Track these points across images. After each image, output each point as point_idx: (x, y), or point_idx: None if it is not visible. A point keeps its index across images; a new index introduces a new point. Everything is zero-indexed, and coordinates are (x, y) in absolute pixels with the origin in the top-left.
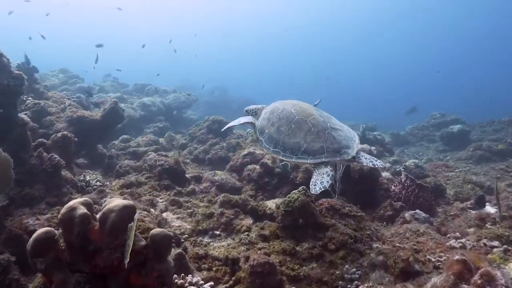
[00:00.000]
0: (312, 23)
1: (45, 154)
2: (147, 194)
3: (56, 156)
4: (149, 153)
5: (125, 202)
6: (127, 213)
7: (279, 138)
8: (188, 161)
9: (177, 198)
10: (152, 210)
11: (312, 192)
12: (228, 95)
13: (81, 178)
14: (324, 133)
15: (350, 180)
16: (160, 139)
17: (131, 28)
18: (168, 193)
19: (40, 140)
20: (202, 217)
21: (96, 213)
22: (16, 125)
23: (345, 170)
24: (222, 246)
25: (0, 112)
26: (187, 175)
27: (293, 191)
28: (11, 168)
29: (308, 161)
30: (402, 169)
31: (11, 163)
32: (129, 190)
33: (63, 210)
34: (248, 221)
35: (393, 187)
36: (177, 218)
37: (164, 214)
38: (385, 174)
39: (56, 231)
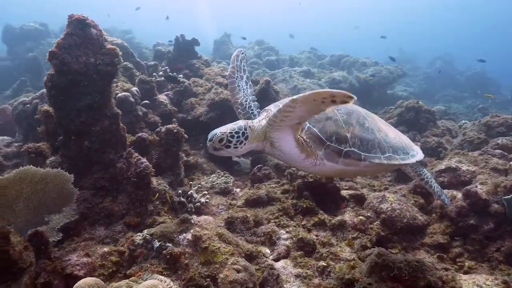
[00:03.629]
0: None
1: (134, 155)
2: (271, 221)
3: (144, 160)
4: None
5: None
6: None
7: None
8: None
9: (308, 237)
10: (265, 251)
11: None
12: (454, 66)
13: (182, 191)
14: None
15: None
16: None
17: None
18: (304, 222)
19: (139, 135)
20: (337, 283)
21: None
22: (103, 115)
23: None
24: None
25: (88, 98)
26: (343, 192)
27: None
28: (68, 183)
29: None
30: None
31: (67, 177)
32: (238, 216)
33: None
34: None
35: None
36: (297, 276)
37: (278, 264)
38: None
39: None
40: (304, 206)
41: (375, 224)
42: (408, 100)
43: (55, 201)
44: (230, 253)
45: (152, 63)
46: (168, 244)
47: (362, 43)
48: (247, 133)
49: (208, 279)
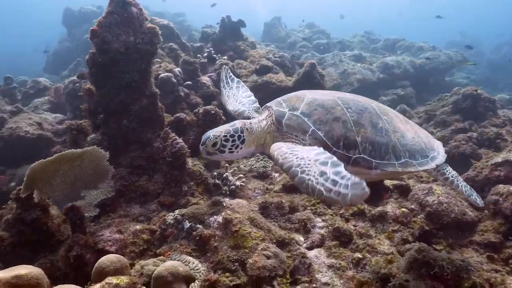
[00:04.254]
0: None
1: (171, 135)
2: (308, 208)
3: (179, 141)
4: None
5: None
6: None
7: None
8: None
9: (345, 227)
10: (298, 238)
11: None
12: None
13: (218, 173)
14: None
15: None
16: None
17: None
18: (342, 211)
19: (177, 115)
20: (372, 277)
21: None
22: (141, 95)
23: None
24: None
25: (127, 77)
26: (387, 182)
27: None
28: (104, 160)
29: None
30: None
31: (102, 154)
32: (273, 202)
33: None
34: None
35: None
36: (330, 266)
37: (311, 253)
38: None
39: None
40: None
41: (419, 217)
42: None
43: (91, 177)
44: (261, 238)
45: (198, 44)
46: (198, 225)
47: (418, 28)
48: (243, 136)
49: (237, 264)
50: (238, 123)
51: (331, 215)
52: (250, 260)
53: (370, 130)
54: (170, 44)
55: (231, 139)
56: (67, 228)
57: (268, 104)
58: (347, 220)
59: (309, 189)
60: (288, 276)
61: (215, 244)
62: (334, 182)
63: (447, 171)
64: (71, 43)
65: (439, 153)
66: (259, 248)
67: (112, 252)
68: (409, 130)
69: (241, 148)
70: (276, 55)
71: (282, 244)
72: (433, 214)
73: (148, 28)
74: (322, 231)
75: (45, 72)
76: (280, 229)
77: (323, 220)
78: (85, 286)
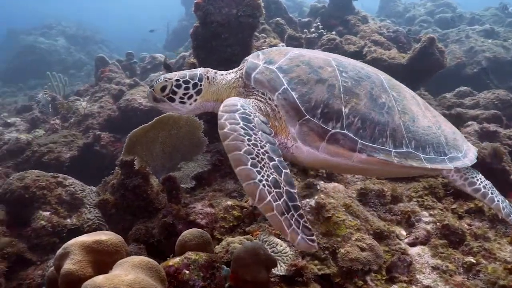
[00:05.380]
0: None
1: None
2: (413, 199)
3: None
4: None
5: None
6: None
7: None
8: None
9: (457, 225)
10: (399, 232)
11: None
12: None
13: None
14: None
15: None
16: None
17: None
18: (455, 206)
19: None
20: (486, 287)
21: None
22: None
23: None
24: None
25: (228, 51)
26: None
27: None
28: (199, 131)
29: None
30: None
31: (197, 124)
32: (374, 189)
33: None
34: None
35: None
36: (435, 268)
37: (413, 250)
38: None
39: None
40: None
41: None
42: None
43: (187, 148)
44: (356, 227)
45: (306, 19)
46: None
47: None
48: (200, 85)
49: (327, 252)
50: (200, 70)
51: (441, 209)
52: (342, 250)
53: (365, 102)
54: (277, 19)
55: (183, 85)
56: (165, 197)
57: (246, 58)
58: (460, 217)
59: (256, 193)
60: (383, 273)
61: None
62: (287, 207)
63: (477, 179)
64: (188, 21)
65: (466, 155)
66: (353, 238)
67: (202, 225)
68: (427, 117)
69: (195, 100)
70: (390, 30)
71: (380, 236)
72: None
73: (250, 1)
74: (428, 227)
75: (165, 50)
76: (378, 220)
77: (430, 215)
78: (167, 258)
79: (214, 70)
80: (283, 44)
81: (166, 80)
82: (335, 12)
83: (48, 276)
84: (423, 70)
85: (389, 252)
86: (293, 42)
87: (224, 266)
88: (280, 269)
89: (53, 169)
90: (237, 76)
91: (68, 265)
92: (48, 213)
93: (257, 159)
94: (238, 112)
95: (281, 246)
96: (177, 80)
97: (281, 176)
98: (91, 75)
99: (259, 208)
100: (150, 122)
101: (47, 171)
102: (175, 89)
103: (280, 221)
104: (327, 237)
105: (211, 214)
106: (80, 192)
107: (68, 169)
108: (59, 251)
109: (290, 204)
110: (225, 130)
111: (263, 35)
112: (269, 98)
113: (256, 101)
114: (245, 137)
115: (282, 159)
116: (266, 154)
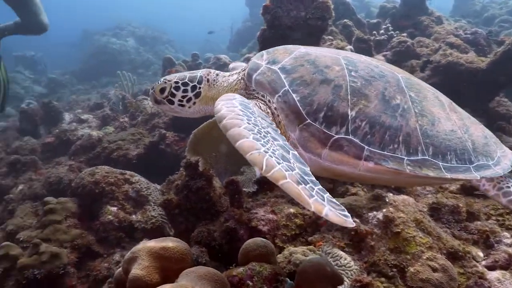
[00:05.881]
0: None
1: None
2: (492, 218)
3: None
4: None
5: None
6: None
7: None
8: None
9: None
10: (476, 253)
11: None
12: None
13: None
14: None
15: None
16: None
17: None
18: None
19: None
20: None
21: None
22: None
23: None
24: None
25: None
26: None
27: None
28: None
29: None
30: None
31: None
32: (447, 204)
33: None
34: None
35: None
36: None
37: (492, 275)
38: None
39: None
40: None
41: None
42: None
43: None
44: (427, 245)
45: (375, 21)
46: (355, 219)
47: None
48: (199, 88)
49: (395, 270)
50: (200, 72)
51: None
52: (411, 269)
53: (375, 104)
54: (345, 20)
55: (182, 87)
56: (227, 200)
57: (251, 57)
58: None
59: (262, 161)
60: None
61: (372, 243)
62: (303, 179)
63: None
64: (252, 22)
65: (498, 163)
66: (424, 257)
67: (264, 232)
68: (451, 120)
69: (194, 102)
70: (467, 32)
71: (454, 257)
72: None
73: (320, 3)
74: (510, 250)
75: (228, 51)
76: (452, 239)
77: None
78: (230, 267)
79: (216, 72)
80: (351, 47)
81: (165, 82)
82: (406, 13)
83: (116, 277)
84: (505, 76)
85: (464, 275)
86: (361, 44)
87: (288, 279)
88: (344, 285)
89: (121, 165)
90: (239, 78)
91: (136, 270)
92: (115, 208)
93: (259, 135)
94: (235, 100)
95: (345, 259)
96: (176, 82)
97: (289, 154)
98: (158, 74)
99: (268, 177)
100: (211, 119)
101: (115, 167)
102: (174, 91)
103: (297, 189)
104: (396, 254)
105: (273, 221)
106: (145, 190)
107: (134, 166)
108: (127, 255)
109: (306, 177)
110: (222, 112)
111: (329, 37)
112: (269, 101)
113: (256, 103)
114: (244, 117)
115: (288, 143)
116: (269, 134)
